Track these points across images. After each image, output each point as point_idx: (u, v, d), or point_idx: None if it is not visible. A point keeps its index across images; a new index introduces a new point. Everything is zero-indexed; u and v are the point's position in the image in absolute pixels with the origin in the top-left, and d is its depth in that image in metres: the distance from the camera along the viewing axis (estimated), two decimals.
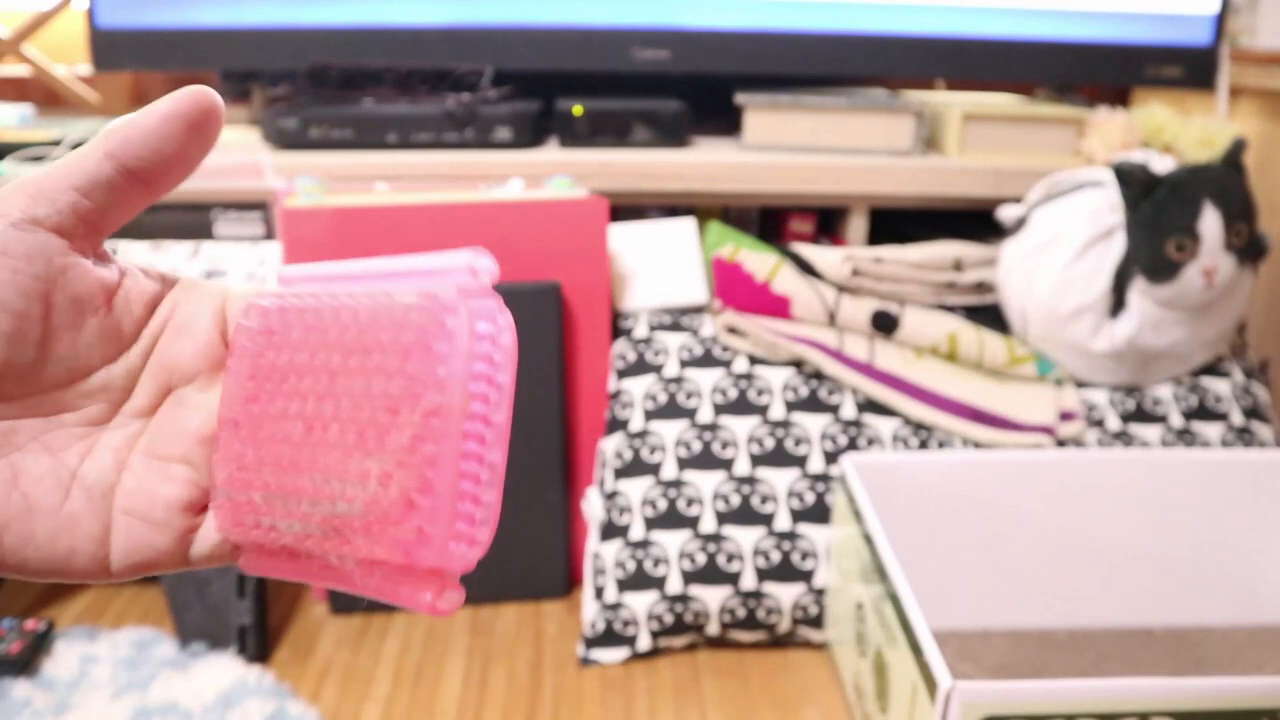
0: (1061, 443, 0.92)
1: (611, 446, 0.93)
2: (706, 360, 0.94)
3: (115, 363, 0.29)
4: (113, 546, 0.28)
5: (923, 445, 0.91)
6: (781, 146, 1.10)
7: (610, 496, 0.91)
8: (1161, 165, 0.93)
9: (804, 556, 0.87)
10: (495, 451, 0.28)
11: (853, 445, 0.90)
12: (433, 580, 0.27)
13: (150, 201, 0.28)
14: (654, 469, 0.90)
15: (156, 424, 0.29)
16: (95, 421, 0.29)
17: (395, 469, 0.26)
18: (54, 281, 0.26)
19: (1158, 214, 0.90)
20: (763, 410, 0.91)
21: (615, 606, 0.87)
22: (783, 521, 0.87)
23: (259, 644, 0.86)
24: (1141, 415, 0.95)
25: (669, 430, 0.91)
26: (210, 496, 0.30)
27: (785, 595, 0.86)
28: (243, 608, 0.86)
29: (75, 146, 1.12)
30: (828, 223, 1.19)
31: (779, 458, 0.89)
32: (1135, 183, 0.90)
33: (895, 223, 1.20)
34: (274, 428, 0.29)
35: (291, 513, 0.28)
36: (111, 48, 1.10)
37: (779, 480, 0.88)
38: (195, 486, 0.29)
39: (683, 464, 0.89)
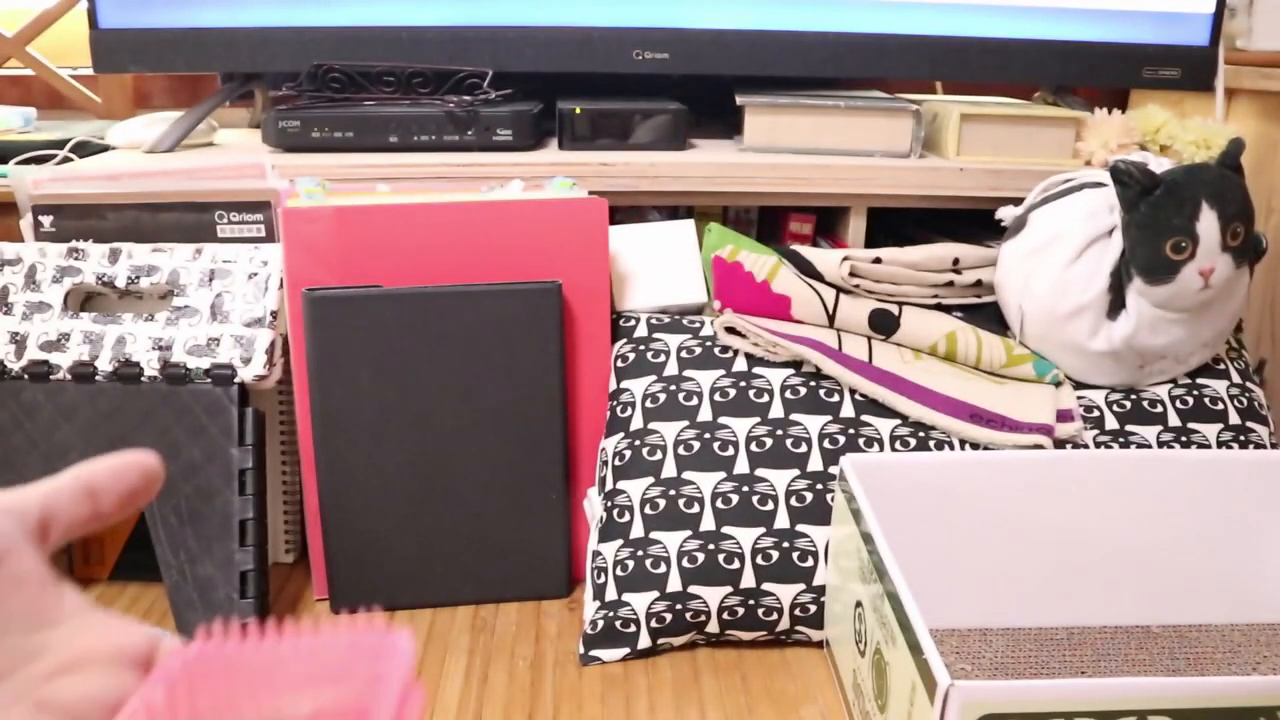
0: (1060, 443, 0.92)
1: (611, 446, 0.93)
2: (706, 360, 0.94)
3: (31, 636, 0.30)
4: None
5: (921, 445, 0.91)
6: (781, 147, 1.11)
7: (610, 496, 0.91)
8: (1159, 166, 0.94)
9: (803, 556, 0.87)
10: None
11: (852, 445, 0.90)
12: None
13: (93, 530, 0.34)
14: (654, 469, 0.90)
15: (52, 685, 0.30)
16: None
17: (348, 695, 0.29)
18: (6, 557, 0.30)
19: (1155, 215, 0.90)
20: (762, 410, 0.91)
21: (615, 605, 0.87)
22: (782, 521, 0.87)
23: None
24: (1139, 415, 0.96)
25: (669, 430, 0.91)
26: None
27: (784, 594, 0.87)
28: (245, 607, 0.86)
29: (76, 148, 1.12)
30: (827, 223, 1.19)
31: (778, 457, 0.89)
32: (1133, 183, 0.91)
33: (894, 223, 1.20)
34: (216, 683, 0.30)
35: None
36: (113, 49, 1.10)
37: (778, 480, 0.89)
38: None
39: (682, 463, 0.90)
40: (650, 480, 0.90)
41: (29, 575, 0.30)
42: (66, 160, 1.11)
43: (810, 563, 0.87)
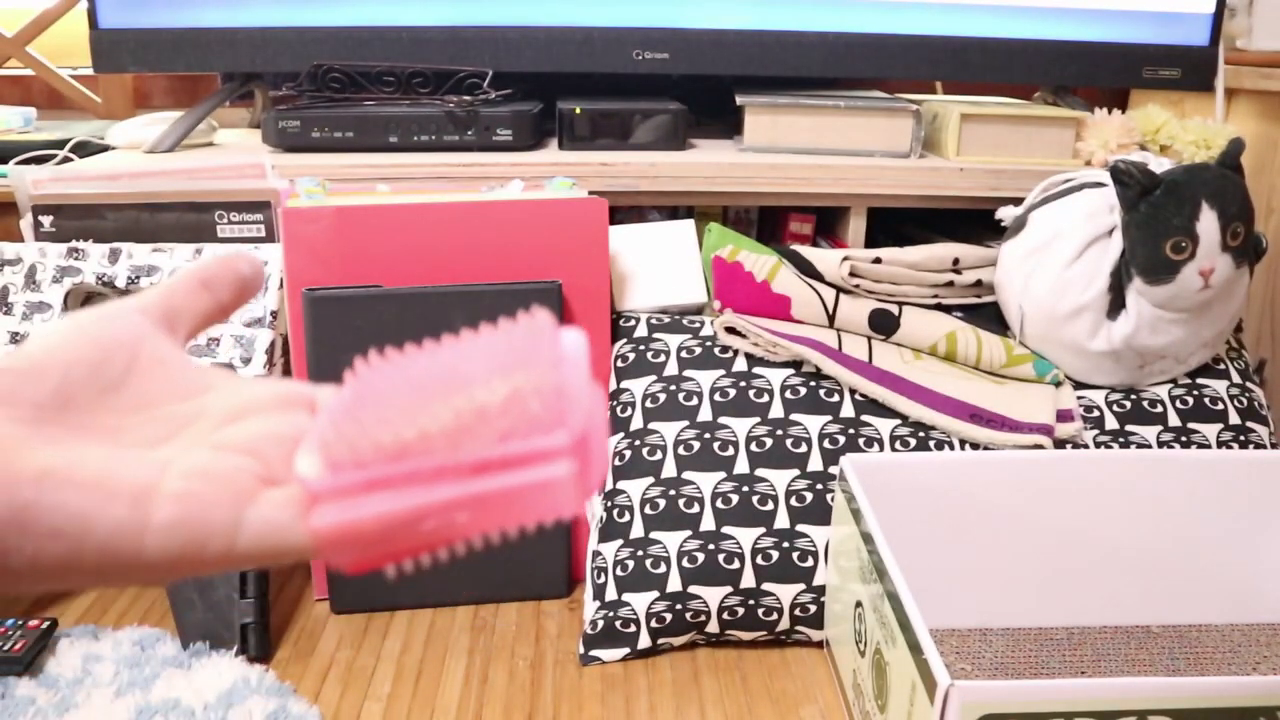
0: (1060, 443, 0.92)
1: (611, 446, 0.93)
2: (706, 360, 0.94)
3: (186, 403, 0.31)
4: (160, 493, 0.26)
5: (921, 445, 0.91)
6: (781, 147, 1.11)
7: (610, 496, 0.91)
8: (1159, 166, 0.94)
9: (803, 556, 0.87)
10: (599, 449, 0.28)
11: (852, 445, 0.90)
12: (569, 457, 0.26)
13: (218, 319, 0.35)
14: (654, 468, 0.90)
15: (222, 434, 0.30)
16: (158, 439, 0.29)
17: (538, 376, 0.27)
18: (141, 342, 0.31)
19: (1155, 215, 0.90)
20: (762, 410, 0.91)
21: (615, 605, 0.87)
22: (782, 521, 0.87)
23: (261, 643, 0.87)
24: (1139, 415, 0.96)
25: (669, 430, 0.91)
26: (286, 466, 0.28)
27: (784, 594, 0.87)
28: (245, 607, 0.86)
29: (76, 148, 1.12)
30: (827, 223, 1.19)
31: (778, 457, 0.89)
32: (1133, 183, 0.91)
33: (894, 223, 1.20)
34: (395, 391, 0.28)
35: (415, 418, 0.26)
36: (113, 49, 1.10)
37: (778, 480, 0.89)
38: (264, 466, 0.29)
39: (683, 463, 0.90)
40: (650, 480, 0.90)
41: (169, 356, 0.32)
42: (66, 160, 1.11)
43: (810, 563, 0.87)
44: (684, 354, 0.95)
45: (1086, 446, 0.93)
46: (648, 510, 0.89)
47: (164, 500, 0.26)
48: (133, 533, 0.26)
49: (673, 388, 0.93)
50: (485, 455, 0.26)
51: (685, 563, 0.87)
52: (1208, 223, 0.89)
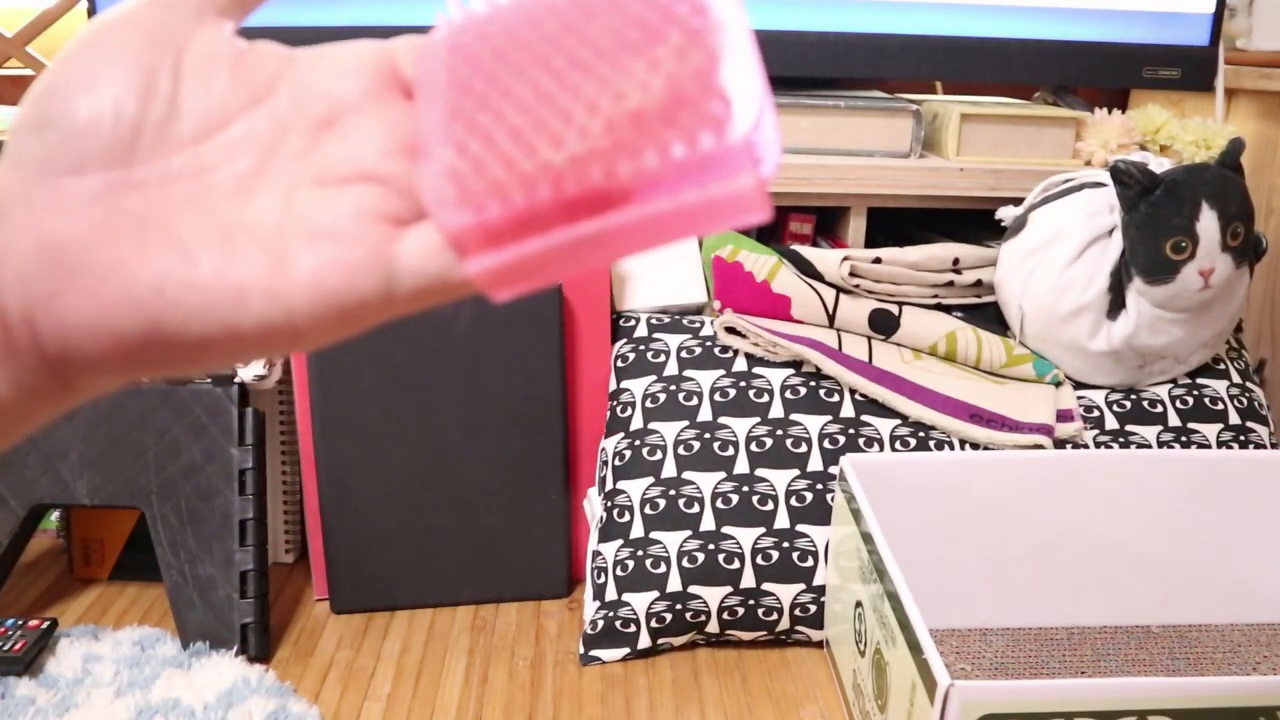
0: (1060, 443, 0.92)
1: (611, 446, 0.93)
2: (706, 360, 0.94)
3: (257, 111, 0.26)
4: (292, 277, 0.24)
5: (921, 445, 0.91)
6: (781, 147, 1.11)
7: (610, 496, 0.91)
8: (1159, 166, 0.94)
9: (803, 556, 0.87)
10: (760, 84, 0.23)
11: (852, 445, 0.90)
12: (746, 161, 0.22)
13: None
14: (654, 469, 0.90)
15: (321, 156, 0.26)
16: (249, 176, 0.25)
17: (688, 45, 0.22)
18: (183, 41, 0.26)
19: (1155, 215, 0.90)
20: (762, 410, 0.91)
21: (615, 605, 0.87)
22: (782, 521, 0.87)
23: (261, 643, 0.87)
24: (1139, 415, 0.96)
25: (669, 430, 0.91)
26: (413, 188, 0.25)
27: (784, 594, 0.87)
28: (245, 607, 0.86)
29: None
30: (826, 223, 1.19)
31: (778, 457, 0.89)
32: (1133, 183, 0.91)
33: (894, 223, 1.20)
34: (506, 84, 0.24)
35: (560, 133, 0.22)
36: None
37: (778, 480, 0.89)
38: (385, 198, 0.25)
39: (682, 464, 0.90)
40: (650, 480, 0.90)
41: (216, 48, 0.26)
42: None
43: (810, 563, 0.87)
44: (684, 354, 0.95)
45: (1086, 446, 0.93)
46: (648, 510, 0.89)
47: (300, 283, 0.24)
48: (281, 320, 0.24)
49: (673, 388, 0.93)
50: (652, 174, 0.22)
51: (685, 563, 0.87)
52: (1208, 223, 0.89)
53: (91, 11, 1.09)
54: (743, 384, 0.93)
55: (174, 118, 0.25)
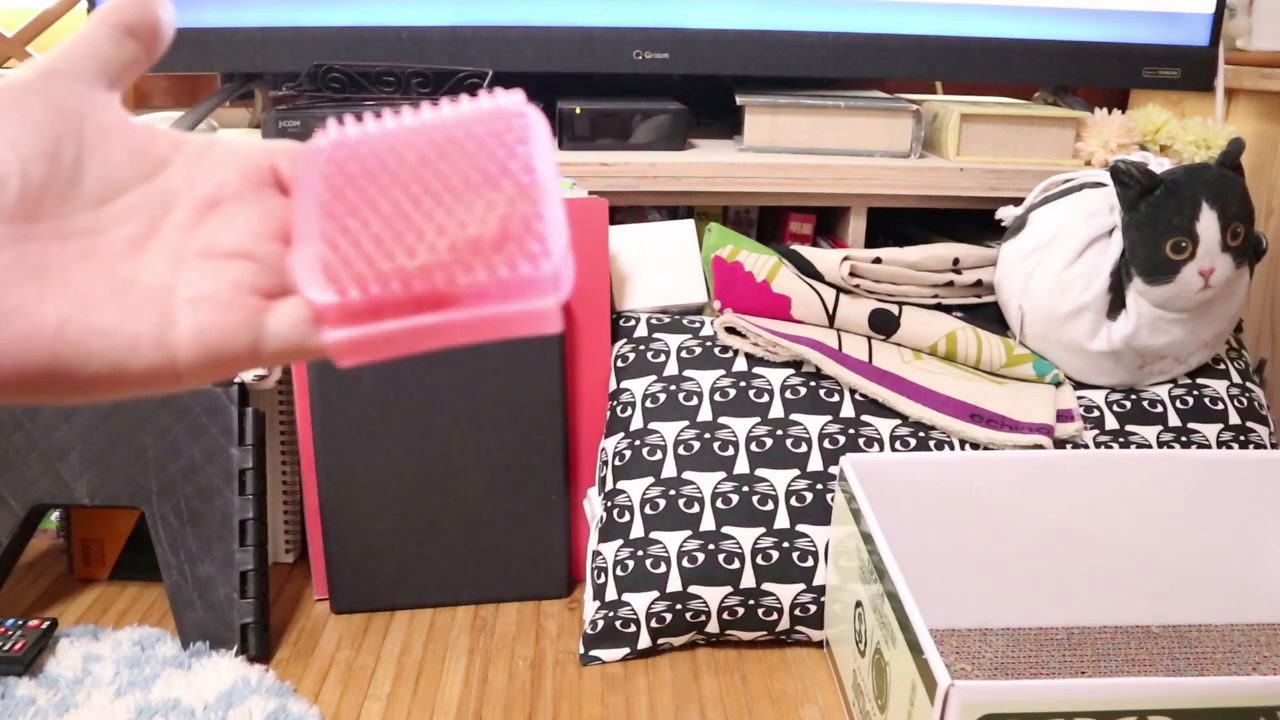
0: (1060, 443, 0.92)
1: (611, 446, 0.93)
2: (706, 360, 0.94)
3: (150, 183, 0.30)
4: (178, 332, 0.28)
5: (921, 445, 0.91)
6: (781, 147, 1.11)
7: (610, 496, 0.91)
8: (1159, 166, 0.94)
9: (803, 556, 0.87)
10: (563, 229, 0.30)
11: (852, 445, 0.90)
12: (554, 288, 0.28)
13: (148, 64, 0.33)
14: (654, 469, 0.90)
15: (206, 233, 0.30)
16: (139, 238, 0.29)
17: (518, 195, 0.29)
18: (84, 113, 0.29)
19: (1155, 215, 0.90)
20: (762, 410, 0.91)
21: (615, 605, 0.87)
22: (782, 521, 0.87)
23: (261, 643, 0.87)
24: (1139, 415, 0.96)
25: (669, 430, 0.91)
26: (290, 272, 0.29)
27: (784, 594, 0.87)
28: (245, 607, 0.86)
29: None
30: (827, 223, 1.19)
31: (778, 457, 0.89)
32: (1133, 183, 0.91)
33: (894, 223, 1.20)
34: (373, 199, 0.29)
35: (414, 245, 0.28)
36: None
37: (778, 480, 0.89)
38: (259, 274, 0.29)
39: (683, 464, 0.90)
40: (650, 480, 0.90)
41: (112, 122, 0.30)
42: None
43: (810, 563, 0.87)
44: (684, 354, 0.95)
45: (1086, 446, 0.93)
46: (648, 510, 0.89)
47: (184, 338, 0.28)
48: (165, 366, 0.28)
49: (673, 388, 0.93)
50: (481, 288, 0.28)
51: (685, 563, 0.87)
52: (1208, 223, 0.89)
53: (91, 10, 1.09)
54: (743, 384, 0.93)
55: (76, 182, 0.28)
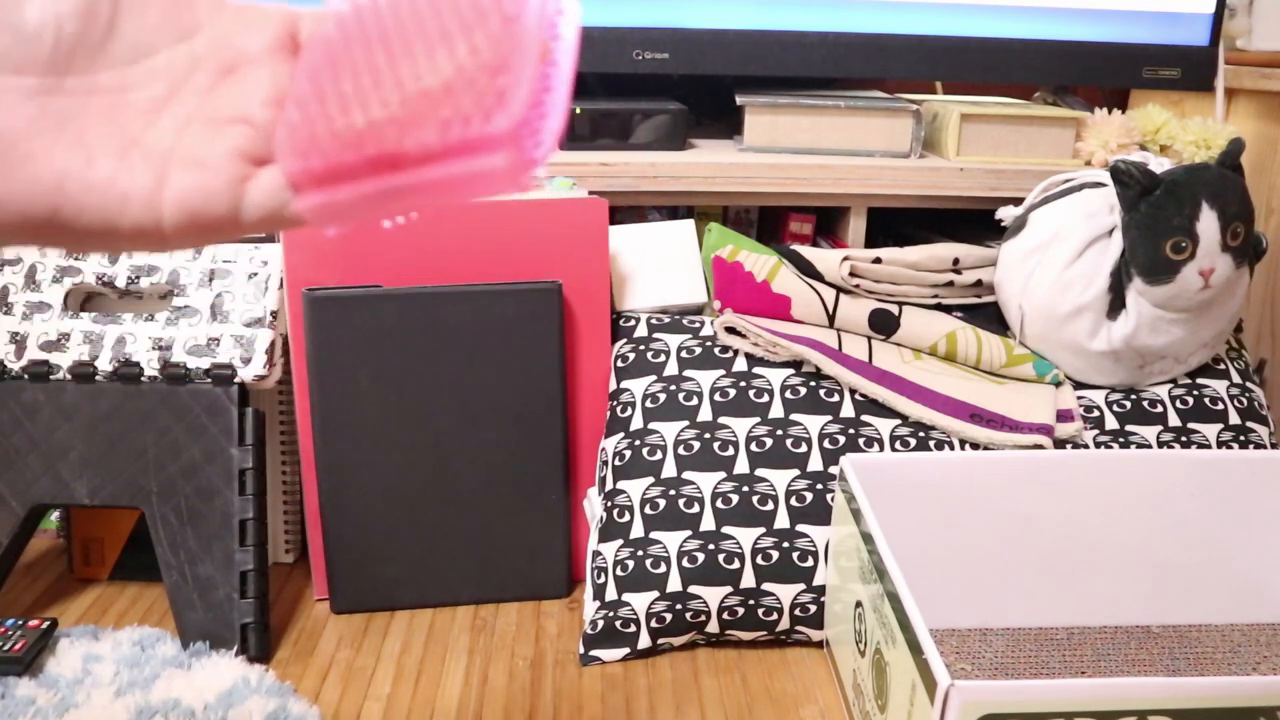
0: (1060, 443, 0.92)
1: (611, 446, 0.93)
2: (706, 360, 0.94)
3: (179, 46, 0.31)
4: (166, 194, 0.29)
5: (921, 445, 0.91)
6: (781, 147, 1.11)
7: (610, 496, 0.91)
8: (1159, 166, 0.94)
9: (803, 556, 0.87)
10: (560, 89, 0.29)
11: (852, 445, 0.90)
12: (507, 147, 0.27)
13: None
14: (654, 469, 0.90)
15: (217, 96, 0.30)
16: (159, 101, 0.30)
17: (483, 44, 0.28)
18: None
19: (1155, 215, 0.90)
20: (762, 410, 0.91)
21: (615, 605, 0.87)
22: (782, 521, 0.87)
23: (261, 643, 0.87)
24: (1139, 415, 0.96)
25: (669, 430, 0.91)
26: (273, 135, 0.29)
27: (784, 594, 0.87)
28: (245, 607, 0.86)
29: None
30: (827, 223, 1.19)
31: (779, 457, 0.89)
32: (1133, 183, 0.91)
33: (894, 223, 1.20)
34: (354, 58, 0.29)
35: (369, 101, 0.28)
36: None
37: (778, 480, 0.89)
38: (252, 140, 0.30)
39: (683, 464, 0.90)
40: (650, 480, 0.90)
41: None
42: None
43: (810, 563, 0.87)
44: (684, 354, 0.95)
45: (1086, 446, 0.93)
46: (648, 510, 0.89)
47: (171, 199, 0.29)
48: (152, 226, 0.29)
49: (673, 388, 0.93)
50: (427, 146, 0.27)
51: (685, 563, 0.87)
52: (1208, 223, 0.89)
53: None
54: (743, 384, 0.93)
55: (108, 40, 0.29)
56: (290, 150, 0.28)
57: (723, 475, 0.89)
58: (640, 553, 0.88)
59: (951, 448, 0.91)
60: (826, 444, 0.90)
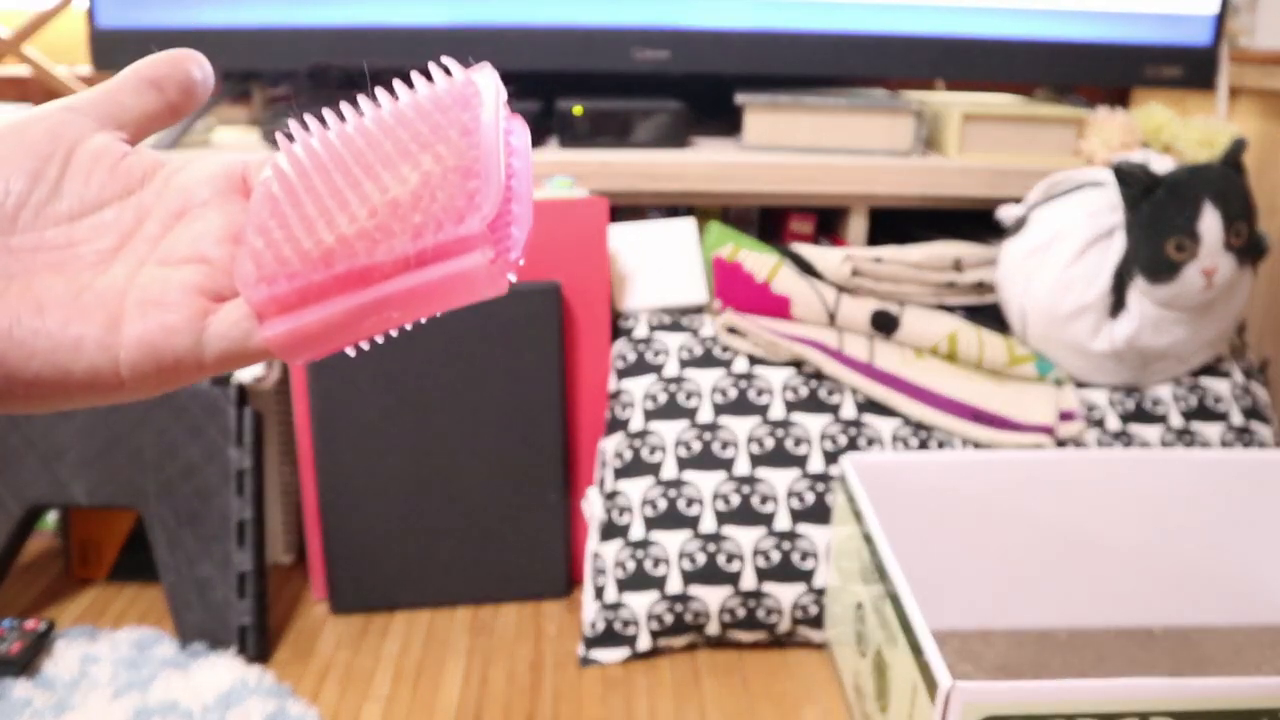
0: (1061, 443, 0.92)
1: (611, 446, 0.93)
2: (706, 360, 0.94)
3: (127, 200, 0.31)
4: (123, 334, 0.28)
5: (922, 445, 0.91)
6: (781, 146, 1.11)
7: (610, 496, 0.91)
8: (1161, 165, 0.94)
9: (804, 556, 0.87)
10: (524, 199, 0.29)
11: (853, 445, 0.90)
12: (485, 245, 0.27)
13: (167, 122, 0.34)
14: (654, 469, 0.90)
15: (169, 240, 0.30)
16: (109, 252, 0.30)
17: (446, 153, 0.28)
18: (78, 140, 0.31)
19: (1157, 214, 0.90)
20: (763, 410, 0.91)
21: (615, 606, 0.87)
22: (783, 521, 0.87)
23: (259, 644, 0.87)
24: (1141, 415, 0.95)
25: (669, 430, 0.91)
26: (232, 270, 0.29)
27: (785, 595, 0.86)
28: (243, 608, 0.86)
29: None
30: (828, 223, 1.19)
31: (779, 458, 0.89)
32: (1135, 183, 0.90)
33: (895, 223, 1.20)
34: (311, 184, 0.29)
35: (335, 219, 0.27)
36: (112, 48, 1.10)
37: (779, 480, 0.88)
38: (210, 276, 0.30)
39: (683, 464, 0.89)
40: (650, 481, 0.90)
41: (104, 149, 0.31)
42: None
43: (811, 564, 0.87)
44: (684, 354, 0.95)
45: (1088, 446, 0.93)
46: (648, 511, 0.88)
47: (129, 340, 0.28)
48: (108, 369, 0.28)
49: (673, 388, 0.93)
50: (402, 254, 0.27)
51: (685, 564, 0.86)
52: (1210, 222, 0.89)
53: (90, 11, 1.09)
54: (743, 384, 0.93)
55: (54, 199, 0.30)
56: (255, 278, 0.28)
57: (723, 476, 0.89)
58: (640, 554, 0.87)
59: (953, 448, 0.91)
60: (827, 444, 0.90)
